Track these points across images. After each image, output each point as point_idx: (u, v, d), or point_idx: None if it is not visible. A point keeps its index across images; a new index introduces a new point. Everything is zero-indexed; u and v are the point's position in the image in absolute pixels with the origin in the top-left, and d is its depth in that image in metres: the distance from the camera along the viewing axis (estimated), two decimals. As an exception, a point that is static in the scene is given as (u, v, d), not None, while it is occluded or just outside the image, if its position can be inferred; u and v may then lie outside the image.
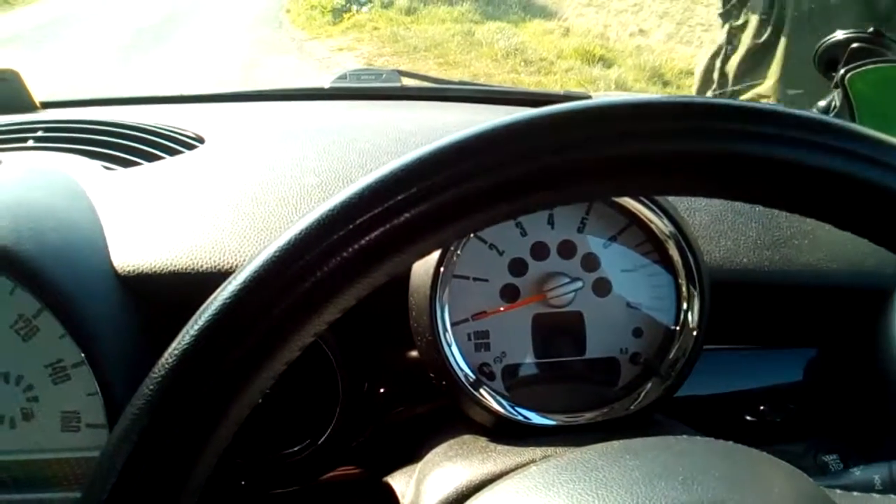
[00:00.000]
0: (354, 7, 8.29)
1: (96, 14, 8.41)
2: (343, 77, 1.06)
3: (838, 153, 0.30)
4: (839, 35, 0.77)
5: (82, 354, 0.51)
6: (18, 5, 9.26)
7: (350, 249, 0.29)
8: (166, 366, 0.29)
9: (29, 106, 0.94)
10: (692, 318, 0.54)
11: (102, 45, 6.90)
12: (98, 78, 5.59)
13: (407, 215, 0.29)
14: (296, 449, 0.59)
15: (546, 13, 8.45)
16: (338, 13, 8.28)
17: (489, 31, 7.15)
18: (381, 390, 0.62)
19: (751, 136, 0.29)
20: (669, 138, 0.29)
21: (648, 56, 6.99)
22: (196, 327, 0.29)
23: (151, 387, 0.29)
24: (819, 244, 0.65)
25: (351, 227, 0.29)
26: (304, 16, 8.70)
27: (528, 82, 5.96)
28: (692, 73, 6.74)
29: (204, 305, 0.29)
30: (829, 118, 0.31)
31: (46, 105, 0.97)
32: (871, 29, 0.76)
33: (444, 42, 7.02)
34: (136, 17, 8.21)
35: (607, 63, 6.63)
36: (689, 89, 6.33)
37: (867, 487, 0.48)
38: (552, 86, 5.90)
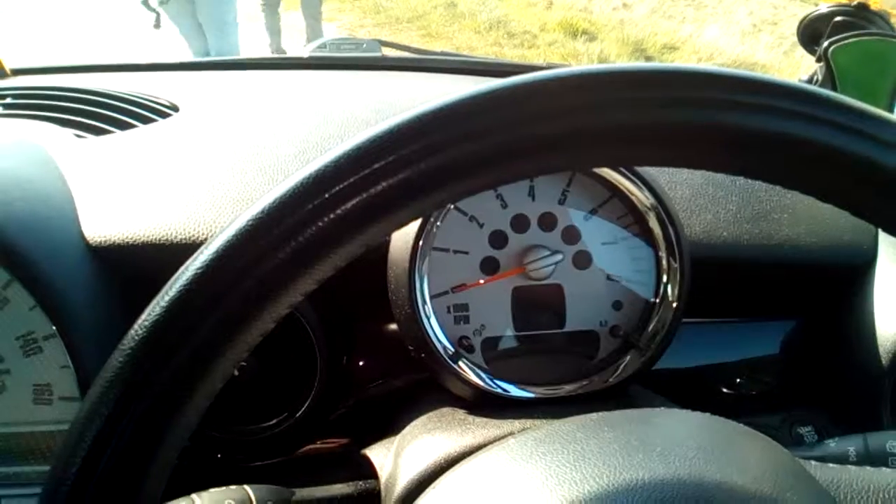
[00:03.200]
0: (336, -24, 8.13)
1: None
2: (323, 46, 1.04)
3: (822, 123, 0.29)
4: (823, 8, 0.77)
5: (53, 327, 0.50)
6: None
7: (325, 218, 0.28)
8: (136, 337, 0.28)
9: (-1, 73, 0.92)
10: (672, 291, 0.54)
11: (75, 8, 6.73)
12: (71, 41, 5.46)
13: (384, 184, 0.28)
14: (274, 422, 0.58)
15: (530, -15, 8.36)
16: (319, -17, 8.13)
17: (472, 3, 7.08)
18: (360, 363, 0.62)
19: (727, 105, 0.29)
20: (646, 107, 0.29)
21: (631, 30, 6.97)
22: (166, 298, 0.28)
23: (121, 359, 0.28)
24: (798, 219, 0.65)
25: (326, 195, 0.28)
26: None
27: (511, 55, 5.92)
28: (675, 48, 6.74)
29: (175, 276, 0.28)
30: (812, 87, 0.30)
31: (17, 72, 0.95)
32: (855, 2, 0.76)
33: (426, 13, 6.94)
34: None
35: (591, 36, 6.60)
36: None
37: (842, 459, 0.48)
38: (535, 59, 5.87)
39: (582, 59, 5.87)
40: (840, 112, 0.29)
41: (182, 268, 0.28)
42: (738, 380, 0.68)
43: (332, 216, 0.28)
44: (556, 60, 5.85)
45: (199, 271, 0.28)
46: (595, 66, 0.30)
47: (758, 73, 0.30)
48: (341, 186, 0.28)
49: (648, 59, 6.39)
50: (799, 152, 0.29)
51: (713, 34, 7.24)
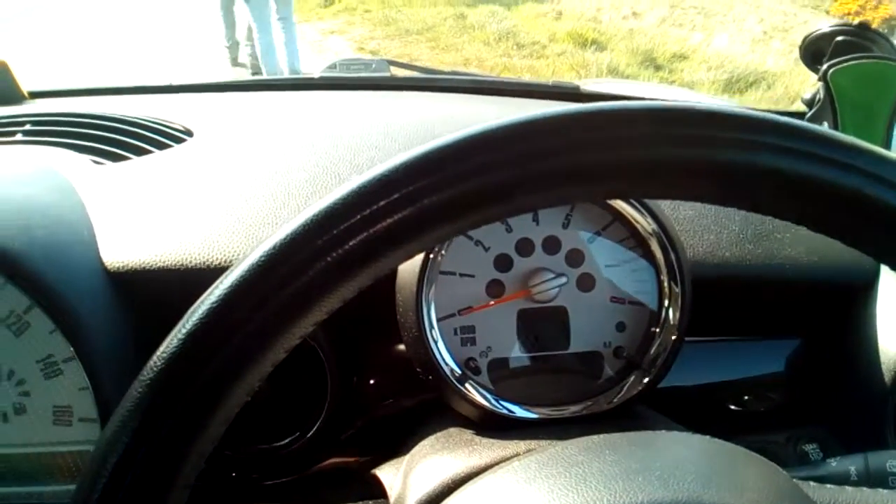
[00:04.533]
0: (346, -11, 8.20)
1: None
2: (333, 67, 1.07)
3: (811, 158, 0.30)
4: (825, 28, 0.78)
5: (72, 350, 0.52)
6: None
7: (335, 254, 0.29)
8: (155, 368, 0.29)
9: (17, 97, 0.94)
10: (673, 314, 0.55)
11: (90, 26, 6.82)
12: (89, 58, 5.53)
13: (389, 221, 0.29)
14: (286, 441, 0.60)
15: (539, -4, 8.39)
16: (329, -4, 8.20)
17: (481, 15, 7.11)
18: (370, 383, 0.63)
19: (720, 142, 0.30)
20: (644, 145, 0.30)
21: (641, 39, 6.97)
22: (184, 331, 0.29)
23: (140, 389, 0.29)
24: (800, 238, 0.65)
25: (335, 232, 0.29)
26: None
27: (521, 66, 5.94)
28: (685, 57, 6.74)
29: (191, 309, 0.30)
30: (802, 123, 0.31)
31: (35, 95, 0.97)
32: (856, 21, 0.77)
33: (435, 25, 6.98)
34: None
35: (600, 46, 6.61)
36: (680, 73, 6.33)
37: (843, 478, 0.49)
38: (544, 70, 5.88)
39: (591, 69, 5.87)
40: (849, 153, 0.30)
41: (198, 301, 0.30)
42: (744, 397, 0.69)
43: (341, 252, 0.29)
44: (565, 70, 5.86)
45: (214, 305, 0.29)
46: (603, 105, 0.31)
47: (769, 115, 0.32)
48: (350, 223, 0.29)
49: (658, 68, 6.39)
50: (804, 190, 0.30)
51: (723, 42, 7.24)
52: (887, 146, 0.66)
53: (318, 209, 0.30)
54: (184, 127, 0.78)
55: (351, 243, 0.29)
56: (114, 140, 0.74)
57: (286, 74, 4.25)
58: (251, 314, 0.29)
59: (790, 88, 5.72)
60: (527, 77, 5.11)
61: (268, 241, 0.30)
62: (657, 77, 6.10)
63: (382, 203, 0.29)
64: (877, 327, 0.63)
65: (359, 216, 0.29)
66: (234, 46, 5.57)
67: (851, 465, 0.49)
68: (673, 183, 0.32)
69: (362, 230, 0.29)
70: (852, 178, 0.30)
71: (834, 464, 0.50)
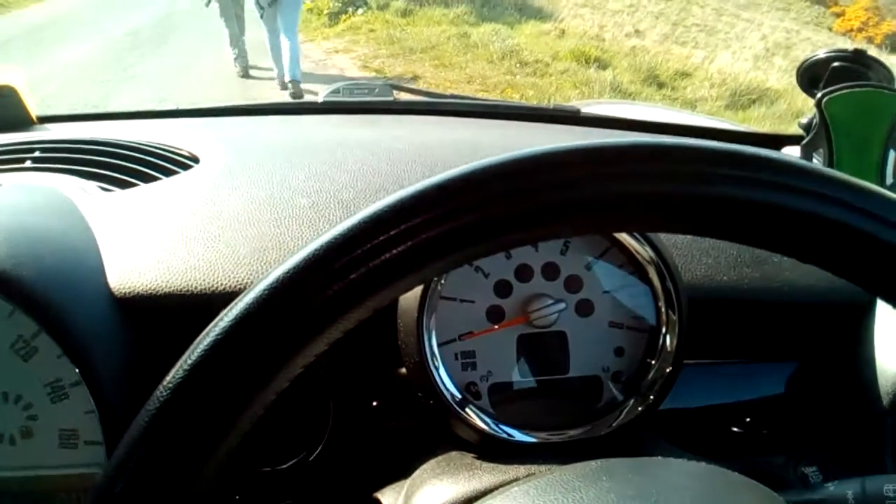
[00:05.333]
0: (350, 9, 8.29)
1: (92, 18, 8.41)
2: (336, 91, 1.08)
3: (801, 193, 0.31)
4: (821, 54, 0.79)
5: (79, 373, 0.53)
6: (13, 7, 9.27)
7: (337, 287, 0.30)
8: (161, 397, 0.30)
9: (26, 121, 0.96)
10: (670, 341, 0.56)
11: (99, 48, 6.90)
12: (96, 83, 5.60)
13: (391, 254, 0.30)
14: (289, 464, 0.60)
15: (542, 15, 8.47)
16: (334, 16, 8.29)
17: (485, 33, 7.17)
18: (372, 406, 0.64)
19: (708, 178, 0.31)
20: (640, 180, 0.31)
21: (644, 57, 7.01)
22: (189, 361, 0.30)
23: (147, 416, 0.30)
24: (798, 262, 0.66)
25: (337, 265, 0.30)
26: (301, 18, 8.70)
27: (524, 84, 5.98)
28: (687, 75, 6.77)
29: (197, 339, 0.31)
30: (784, 157, 0.32)
31: (43, 119, 0.99)
32: (853, 48, 0.78)
33: (439, 44, 7.04)
34: (131, 21, 8.22)
35: (603, 64, 6.65)
36: (683, 91, 6.36)
37: (840, 503, 0.49)
38: (547, 87, 5.92)
39: (594, 87, 5.91)
40: (846, 190, 0.31)
41: (204, 332, 0.31)
42: (745, 419, 0.69)
43: (344, 284, 0.30)
44: (568, 88, 5.89)
45: (218, 337, 0.30)
46: (605, 141, 0.32)
47: (775, 154, 0.33)
48: (352, 256, 0.30)
49: (661, 85, 6.42)
50: (803, 227, 0.32)
51: (725, 60, 7.27)
52: (881, 174, 0.67)
53: (321, 243, 0.31)
54: (190, 153, 0.79)
55: (353, 276, 0.30)
56: (122, 167, 0.75)
57: (286, 77, 5.42)
58: (257, 343, 0.30)
59: (793, 105, 5.74)
60: (528, 101, 5.14)
61: (273, 272, 0.31)
62: (660, 94, 6.14)
63: (381, 238, 0.30)
64: (874, 349, 0.63)
65: (360, 250, 0.30)
66: (241, 57, 6.13)
67: (849, 489, 0.50)
68: (674, 217, 0.33)
69: (363, 264, 0.30)
70: (839, 211, 0.31)
71: (831, 488, 0.51)
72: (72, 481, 0.56)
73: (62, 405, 0.55)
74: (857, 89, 0.68)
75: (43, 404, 0.55)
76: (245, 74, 6.15)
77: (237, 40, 6.11)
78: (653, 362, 0.56)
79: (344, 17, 8.24)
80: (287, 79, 5.41)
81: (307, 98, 5.55)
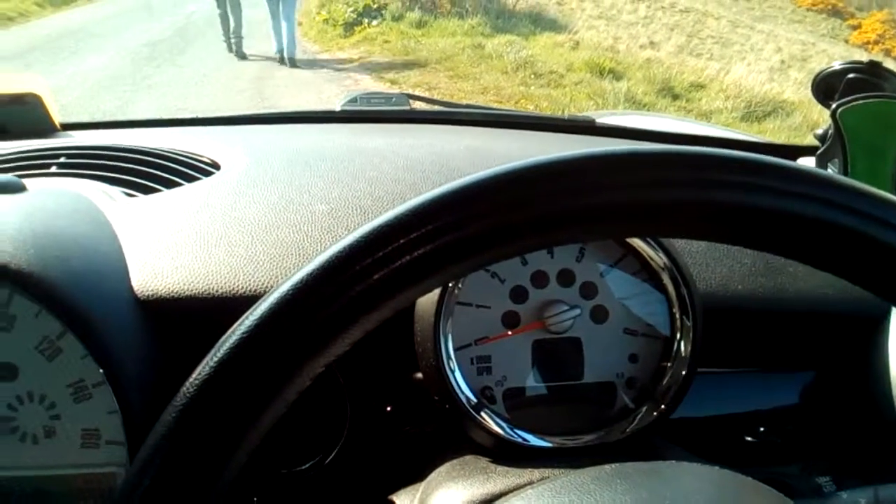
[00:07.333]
0: (366, 20, 8.35)
1: (110, 29, 8.52)
2: (353, 100, 1.10)
3: (815, 201, 0.32)
4: (836, 65, 0.79)
5: (103, 374, 0.54)
6: (33, 17, 9.41)
7: (358, 288, 0.31)
8: (186, 396, 0.31)
9: (50, 128, 0.98)
10: (685, 347, 0.56)
11: (117, 58, 6.99)
12: (115, 93, 5.67)
13: (410, 257, 0.31)
14: (306, 466, 0.61)
15: (556, 26, 8.49)
16: (349, 27, 8.35)
17: (499, 45, 7.19)
18: (388, 410, 0.65)
19: (722, 185, 0.32)
20: (653, 188, 0.32)
21: (658, 69, 7.00)
22: (214, 360, 0.31)
23: (173, 415, 0.31)
24: (812, 271, 0.66)
25: (358, 267, 0.31)
26: (316, 29, 8.79)
27: (538, 95, 5.99)
28: (702, 86, 6.76)
29: (222, 339, 0.32)
30: (799, 166, 0.33)
31: (66, 127, 1.01)
32: (868, 60, 0.78)
33: (454, 55, 7.07)
34: (149, 31, 8.32)
35: (617, 76, 6.65)
36: (697, 102, 6.35)
37: (853, 511, 0.49)
38: (562, 98, 5.92)
39: (609, 99, 5.90)
40: (861, 199, 0.32)
41: (227, 333, 0.32)
42: (759, 429, 0.69)
43: (365, 286, 0.31)
44: (582, 99, 5.90)
45: (245, 335, 0.31)
46: (612, 149, 0.33)
47: (754, 156, 0.33)
48: (373, 259, 0.31)
49: (676, 97, 6.41)
50: (819, 234, 0.32)
51: (741, 72, 7.25)
52: (895, 185, 0.67)
53: (342, 246, 0.32)
54: (211, 160, 0.81)
55: (373, 278, 0.31)
56: (145, 173, 0.77)
57: (285, 53, 7.10)
58: (279, 345, 0.31)
59: (808, 118, 5.71)
60: (544, 111, 5.15)
61: (294, 276, 0.32)
62: (674, 106, 6.13)
63: (401, 242, 0.31)
64: (889, 359, 0.63)
65: (380, 253, 0.31)
66: (238, 41, 7.48)
67: (862, 497, 0.50)
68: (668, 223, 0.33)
69: (383, 267, 0.31)
70: (855, 219, 0.32)
71: (845, 496, 0.51)
72: (93, 481, 0.56)
73: (85, 405, 0.56)
74: (872, 100, 0.68)
75: (66, 404, 0.56)
76: (240, 55, 7.56)
77: (236, 24, 7.52)
78: (667, 367, 0.56)
79: (359, 28, 8.30)
80: (286, 55, 7.12)
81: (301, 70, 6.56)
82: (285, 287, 0.31)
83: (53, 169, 0.77)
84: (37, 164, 0.78)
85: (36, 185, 0.67)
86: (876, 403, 0.64)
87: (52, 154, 0.80)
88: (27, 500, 0.56)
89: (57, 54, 6.99)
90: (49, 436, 0.56)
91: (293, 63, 7.11)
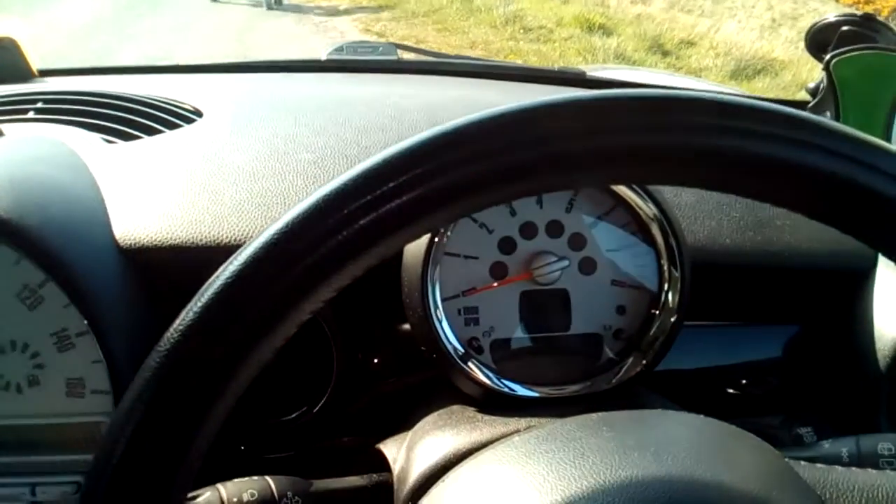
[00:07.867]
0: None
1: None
2: (340, 49, 1.07)
3: (803, 146, 0.31)
4: (830, 17, 0.78)
5: (86, 323, 0.53)
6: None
7: (345, 233, 0.30)
8: (171, 340, 0.30)
9: (27, 74, 0.95)
10: (672, 298, 0.56)
11: (97, 5, 6.81)
12: (96, 39, 5.53)
13: (397, 201, 0.31)
14: (294, 416, 0.61)
15: (546, -20, 8.32)
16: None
17: (488, -2, 7.06)
18: (375, 360, 0.65)
19: (718, 130, 0.31)
20: (643, 132, 0.31)
21: (649, 25, 6.92)
22: (198, 305, 0.30)
23: (157, 360, 0.31)
24: (800, 225, 0.66)
25: (345, 212, 0.30)
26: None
27: (527, 50, 5.91)
28: (693, 44, 6.69)
29: (205, 286, 0.31)
30: (800, 113, 0.32)
31: (44, 73, 0.98)
32: (862, 12, 0.77)
33: (442, 8, 6.95)
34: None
35: (607, 31, 6.56)
36: (687, 59, 6.30)
37: (834, 460, 0.50)
38: (551, 54, 5.85)
39: (598, 54, 5.84)
40: (849, 144, 0.31)
41: (212, 278, 0.31)
42: (742, 381, 0.70)
43: (350, 231, 0.30)
44: (571, 55, 5.83)
45: (227, 281, 0.30)
46: (605, 92, 0.32)
47: (750, 99, 0.33)
48: (359, 203, 0.30)
49: (666, 54, 6.35)
50: (807, 180, 0.32)
51: (731, 29, 7.18)
52: (887, 137, 0.67)
53: (328, 190, 0.31)
54: (193, 107, 0.79)
55: (360, 223, 0.30)
56: (125, 119, 0.75)
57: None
58: (263, 291, 0.30)
59: (798, 77, 5.68)
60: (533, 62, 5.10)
61: (279, 220, 0.31)
62: (664, 63, 6.07)
63: (389, 185, 0.30)
64: (874, 313, 0.64)
65: (368, 197, 0.30)
66: None
67: (843, 446, 0.51)
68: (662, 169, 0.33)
69: (371, 211, 0.30)
70: (842, 165, 0.31)
71: (826, 445, 0.52)
72: (79, 429, 0.56)
73: (69, 354, 0.55)
74: (866, 52, 0.67)
75: (50, 353, 0.55)
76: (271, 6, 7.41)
77: None
78: (655, 315, 0.57)
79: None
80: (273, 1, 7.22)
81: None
82: (269, 232, 0.31)
83: (30, 115, 0.75)
84: (13, 109, 0.76)
85: (12, 132, 0.66)
86: (859, 357, 0.65)
87: (29, 99, 0.78)
88: (13, 449, 0.56)
89: (33, 1, 6.79)
90: (33, 385, 0.56)
91: (279, 2, 7.22)
